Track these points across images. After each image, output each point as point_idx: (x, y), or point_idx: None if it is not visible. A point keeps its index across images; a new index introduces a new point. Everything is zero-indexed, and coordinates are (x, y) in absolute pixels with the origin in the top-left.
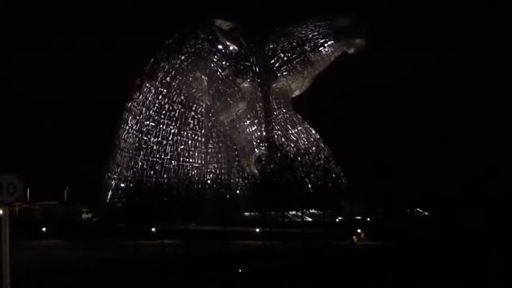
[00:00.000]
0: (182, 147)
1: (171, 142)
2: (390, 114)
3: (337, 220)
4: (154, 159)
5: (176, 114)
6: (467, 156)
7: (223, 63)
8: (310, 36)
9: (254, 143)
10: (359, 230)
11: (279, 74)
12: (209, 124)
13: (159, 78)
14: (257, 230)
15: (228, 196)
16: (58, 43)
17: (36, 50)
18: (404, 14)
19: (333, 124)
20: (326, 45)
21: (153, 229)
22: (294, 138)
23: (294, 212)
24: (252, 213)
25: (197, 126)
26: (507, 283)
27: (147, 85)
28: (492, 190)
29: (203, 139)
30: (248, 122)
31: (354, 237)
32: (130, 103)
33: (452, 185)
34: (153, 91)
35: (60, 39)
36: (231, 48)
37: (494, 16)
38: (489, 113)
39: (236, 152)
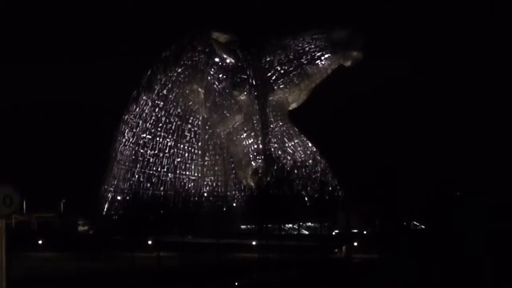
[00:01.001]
0: (179, 159)
1: (167, 154)
2: (386, 126)
3: (333, 233)
4: (151, 172)
5: (173, 127)
6: (464, 167)
7: (220, 75)
8: (307, 49)
9: (251, 155)
10: (355, 244)
11: (276, 87)
12: (206, 136)
13: (155, 91)
14: (254, 242)
15: (224, 208)
16: (55, 56)
17: (33, 63)
18: (401, 24)
19: (330, 137)
20: (323, 58)
21: (150, 242)
22: (291, 151)
23: (290, 225)
24: (248, 226)
25: (193, 139)
26: None
27: (143, 97)
28: (488, 202)
29: (199, 151)
30: (244, 134)
31: (336, 250)
32: (127, 116)
33: (448, 197)
34: (149, 103)
35: (57, 52)
36: (228, 60)
37: (485, 22)
38: (484, 124)
39: (232, 165)
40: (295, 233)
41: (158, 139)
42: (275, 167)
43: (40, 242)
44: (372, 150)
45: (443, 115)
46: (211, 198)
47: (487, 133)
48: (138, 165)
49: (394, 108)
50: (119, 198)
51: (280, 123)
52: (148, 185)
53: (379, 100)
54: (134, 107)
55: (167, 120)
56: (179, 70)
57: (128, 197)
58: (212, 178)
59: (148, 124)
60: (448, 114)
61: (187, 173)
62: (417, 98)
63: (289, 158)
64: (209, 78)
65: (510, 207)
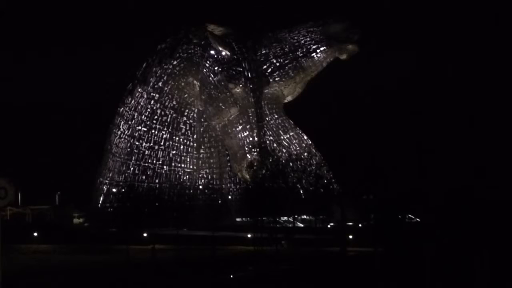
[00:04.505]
0: (174, 152)
1: (163, 147)
2: (382, 119)
3: (328, 226)
4: (146, 164)
5: (168, 119)
6: (460, 161)
7: (216, 68)
8: (303, 41)
9: (246, 148)
10: (350, 236)
11: (271, 80)
12: (201, 129)
13: (151, 83)
14: (249, 235)
15: (219, 201)
16: (54, 49)
17: (30, 53)
18: (398, 19)
19: (325, 130)
20: (318, 50)
21: (145, 234)
22: (286, 144)
23: (285, 217)
24: (243, 219)
25: (189, 131)
26: None
27: (139, 90)
28: (484, 195)
29: (195, 144)
30: (240, 127)
31: (283, 242)
32: (122, 108)
33: (443, 190)
34: (145, 96)
35: (56, 45)
36: (223, 53)
37: (490, 20)
38: (482, 117)
39: (228, 158)
40: (290, 225)
41: (153, 131)
42: (270, 160)
43: (35, 234)
44: (367, 144)
45: (439, 108)
46: (206, 191)
47: (484, 128)
48: (133, 157)
49: (390, 102)
50: (114, 190)
51: (276, 116)
52: (144, 177)
53: (375, 95)
54: (130, 99)
55: (163, 113)
56: (175, 62)
57: (123, 190)
58: (207, 170)
59: (143, 117)
60: (443, 107)
61: (182, 165)
62: (413, 93)
63: (284, 151)
64: (204, 70)
65: (507, 203)
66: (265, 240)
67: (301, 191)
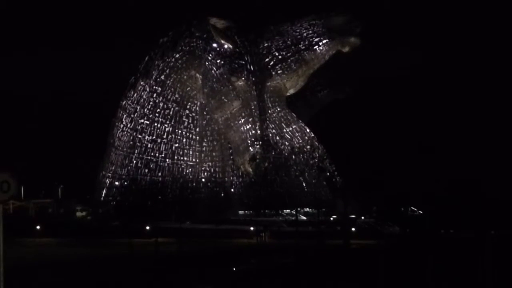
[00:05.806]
0: (177, 145)
1: (165, 140)
2: (385, 112)
3: (331, 218)
4: (149, 158)
5: (171, 113)
6: (462, 154)
7: (218, 61)
8: (305, 34)
9: (249, 141)
10: (353, 229)
11: (273, 73)
12: (204, 122)
13: (153, 77)
14: (251, 228)
15: (222, 194)
16: (56, 42)
17: (34, 47)
18: (400, 13)
19: (327, 123)
20: (320, 43)
21: (147, 228)
22: (289, 137)
23: (288, 210)
24: (246, 212)
25: (191, 125)
26: (501, 284)
27: (141, 83)
28: (486, 189)
29: (197, 137)
30: (242, 120)
31: (261, 234)
32: (125, 102)
33: (445, 183)
34: (147, 89)
35: (58, 38)
36: (225, 46)
37: (490, 17)
38: (485, 112)
39: (230, 151)
40: (293, 218)
41: (156, 124)
42: (273, 153)
43: (37, 228)
44: (370, 136)
45: (441, 102)
46: (208, 184)
47: (487, 122)
48: (136, 150)
49: (393, 96)
50: (117, 184)
51: (278, 109)
52: (146, 171)
53: (378, 89)
54: (132, 93)
55: (165, 106)
56: (177, 56)
57: (125, 183)
58: (210, 164)
59: (146, 110)
60: (446, 101)
61: (185, 158)
62: (414, 89)
63: (286, 144)
64: (206, 64)
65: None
66: (247, 233)
67: (304, 184)
